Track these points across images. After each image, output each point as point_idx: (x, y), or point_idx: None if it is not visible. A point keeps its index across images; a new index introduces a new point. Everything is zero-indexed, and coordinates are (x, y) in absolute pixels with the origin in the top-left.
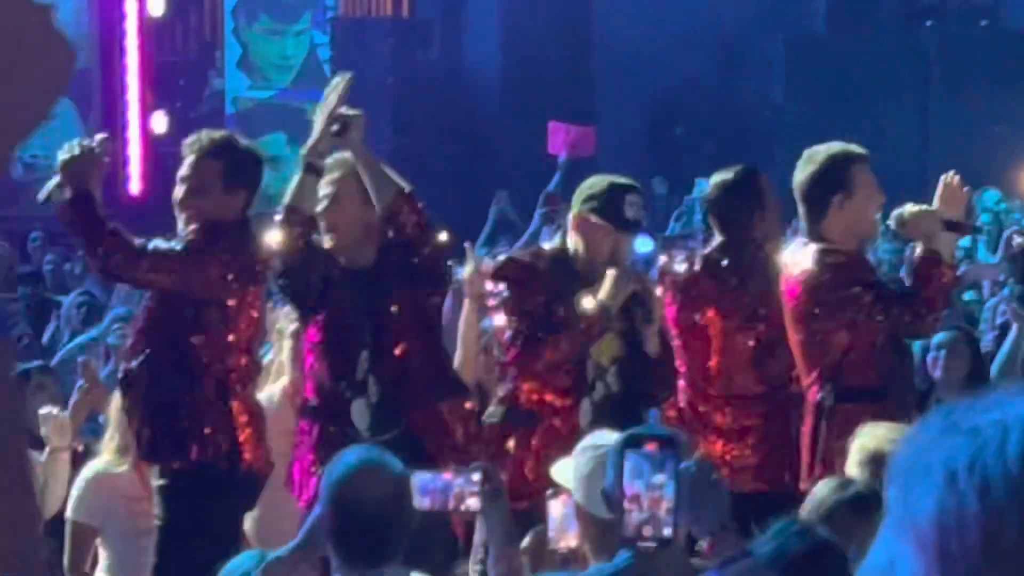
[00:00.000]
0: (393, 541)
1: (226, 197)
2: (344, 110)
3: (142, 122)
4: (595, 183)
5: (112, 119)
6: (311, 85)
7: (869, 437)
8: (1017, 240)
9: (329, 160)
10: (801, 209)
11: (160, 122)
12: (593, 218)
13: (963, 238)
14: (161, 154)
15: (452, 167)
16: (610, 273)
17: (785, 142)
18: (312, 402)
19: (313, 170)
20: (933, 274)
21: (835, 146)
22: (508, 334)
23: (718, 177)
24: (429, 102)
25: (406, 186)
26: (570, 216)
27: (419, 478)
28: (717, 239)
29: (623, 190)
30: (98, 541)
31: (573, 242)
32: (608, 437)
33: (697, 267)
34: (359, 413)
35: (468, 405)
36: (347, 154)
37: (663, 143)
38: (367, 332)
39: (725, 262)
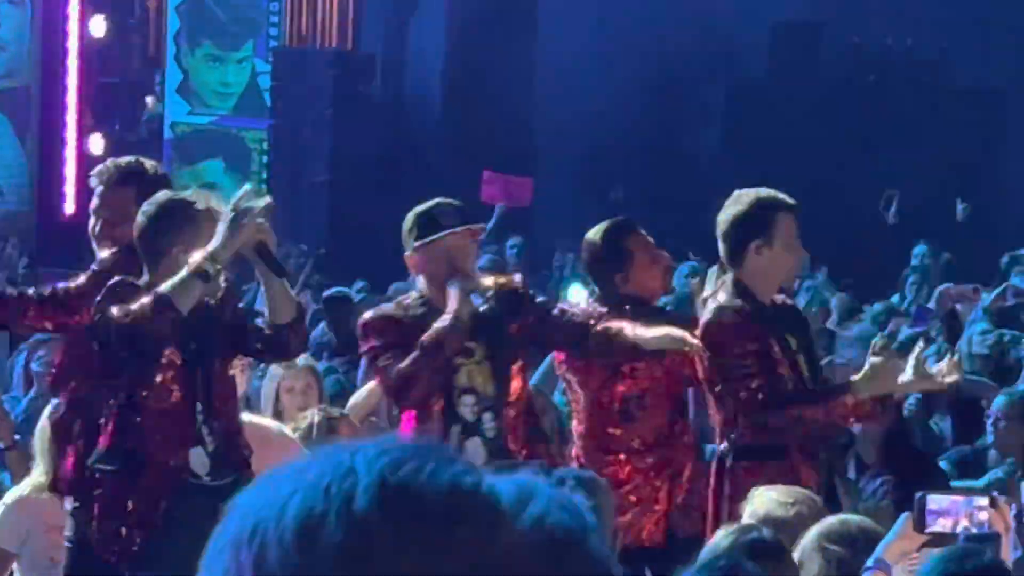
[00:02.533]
0: None
1: None
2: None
3: (79, 143)
4: (406, 222)
5: (49, 139)
6: (251, 113)
7: (759, 501)
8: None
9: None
10: (721, 248)
11: (97, 144)
12: (415, 245)
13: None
14: None
15: (389, 200)
16: (450, 290)
17: (722, 190)
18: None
19: (203, 276)
20: (846, 409)
21: (764, 191)
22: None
23: (589, 234)
24: (369, 135)
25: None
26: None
27: None
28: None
29: (430, 207)
30: (15, 568)
31: (423, 286)
32: None
33: None
34: (198, 460)
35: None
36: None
37: (599, 192)
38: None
39: None
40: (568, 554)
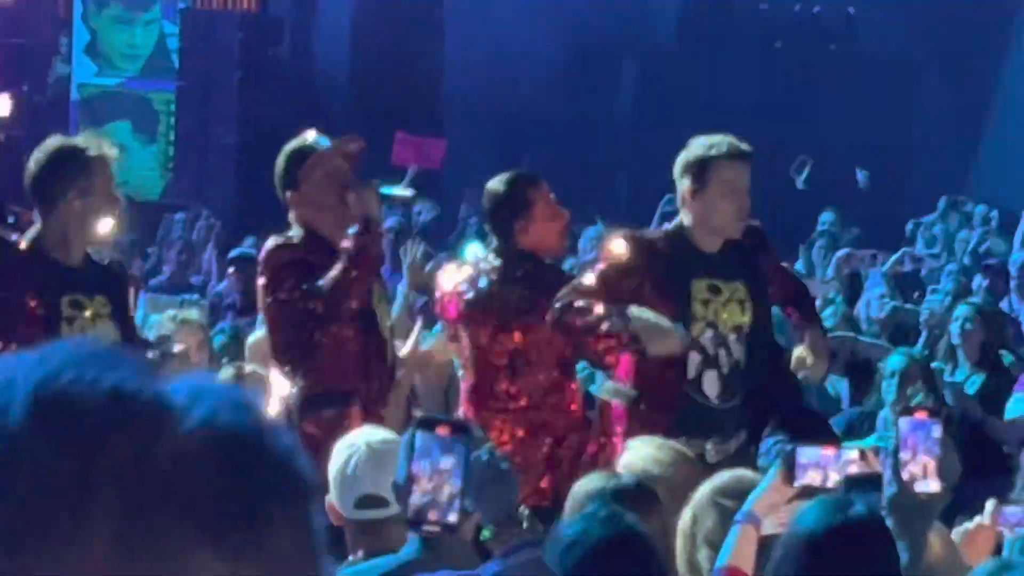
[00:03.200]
0: None
1: None
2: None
3: None
4: (277, 166)
5: None
6: (159, 75)
7: (635, 455)
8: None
9: None
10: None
11: (4, 105)
12: (296, 177)
13: None
14: (4, 137)
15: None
16: (350, 198)
17: (632, 156)
18: None
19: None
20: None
21: (716, 138)
22: None
23: (491, 183)
24: (276, 99)
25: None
26: None
27: None
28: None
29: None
30: None
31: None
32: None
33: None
34: None
35: None
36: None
37: (508, 159)
38: None
39: (491, 273)
40: (239, 453)
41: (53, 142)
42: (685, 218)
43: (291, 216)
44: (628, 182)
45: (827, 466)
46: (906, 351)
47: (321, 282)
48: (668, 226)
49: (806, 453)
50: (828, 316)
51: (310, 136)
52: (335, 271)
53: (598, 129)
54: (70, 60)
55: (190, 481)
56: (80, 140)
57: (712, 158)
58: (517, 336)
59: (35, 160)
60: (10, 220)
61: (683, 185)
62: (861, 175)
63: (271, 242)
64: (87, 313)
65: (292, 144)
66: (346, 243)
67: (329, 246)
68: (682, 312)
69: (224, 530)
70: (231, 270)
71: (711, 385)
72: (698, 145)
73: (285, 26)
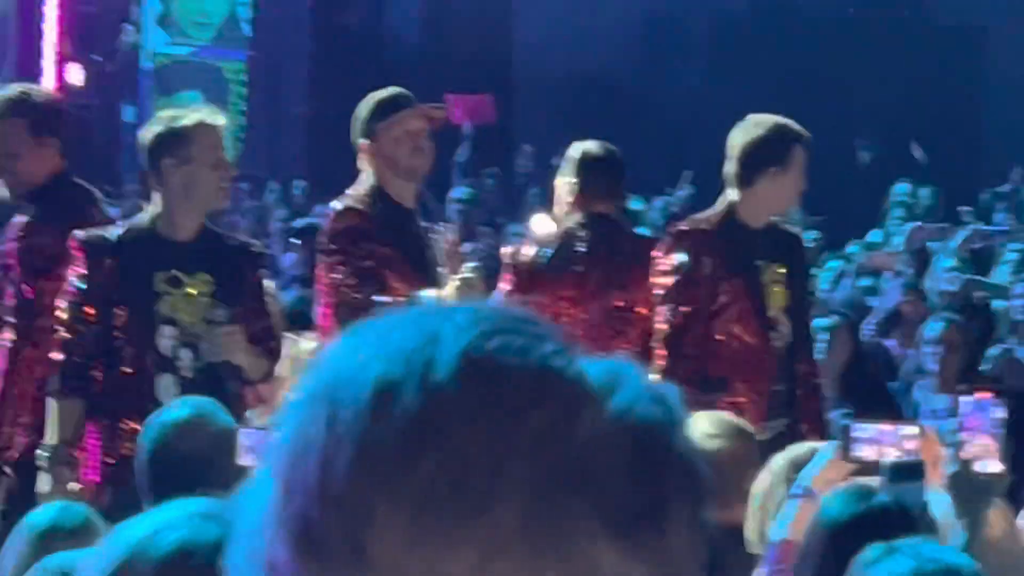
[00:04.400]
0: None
1: (38, 151)
2: None
3: (58, 73)
4: (363, 108)
5: (27, 68)
6: (230, 44)
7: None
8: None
9: None
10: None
11: (76, 74)
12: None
13: None
14: (76, 106)
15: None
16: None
17: (703, 124)
18: None
19: None
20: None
21: (783, 120)
22: None
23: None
24: (347, 68)
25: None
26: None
27: (247, 434)
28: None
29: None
30: None
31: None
32: None
33: None
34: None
35: None
36: None
37: (577, 125)
38: None
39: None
40: (652, 447)
41: (165, 115)
42: (734, 194)
43: (360, 164)
44: (698, 151)
45: (884, 441)
46: (947, 316)
47: (360, 278)
48: (718, 205)
49: (863, 428)
50: (896, 288)
51: (397, 91)
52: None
53: (669, 96)
54: (141, 29)
55: (602, 469)
56: (179, 110)
57: (801, 140)
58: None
59: (144, 131)
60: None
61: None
62: (918, 152)
63: (336, 204)
64: (186, 291)
65: (379, 95)
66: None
67: (393, 203)
68: (756, 290)
69: (627, 523)
70: (297, 241)
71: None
72: (759, 125)
73: None
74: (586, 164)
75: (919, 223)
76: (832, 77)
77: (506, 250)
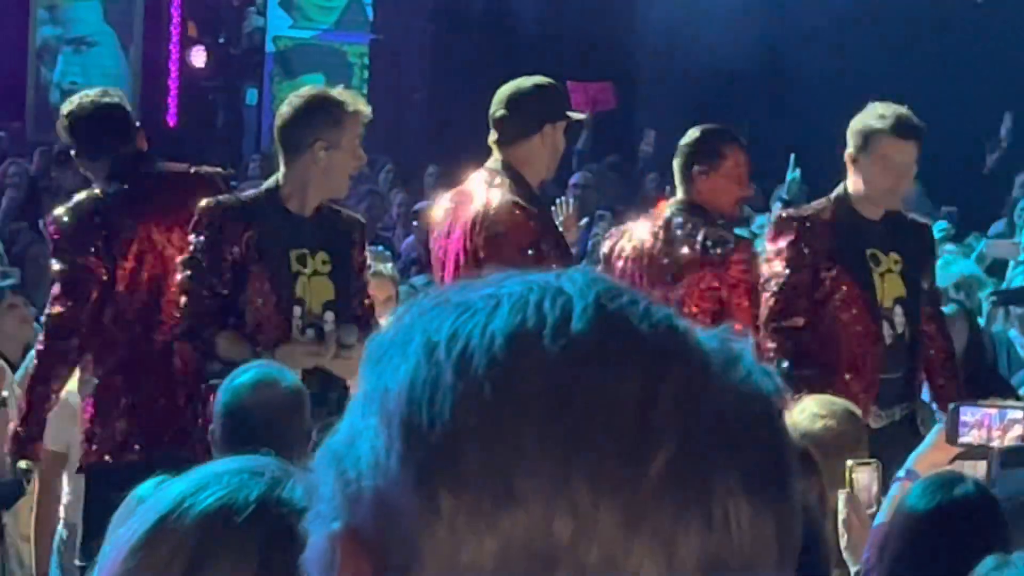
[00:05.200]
0: (286, 451)
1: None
2: None
3: (182, 55)
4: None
5: (153, 51)
6: (353, 28)
7: (797, 410)
8: None
9: None
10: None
11: (200, 56)
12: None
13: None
14: (199, 88)
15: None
16: None
17: (832, 110)
18: None
19: None
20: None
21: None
22: None
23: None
24: (469, 51)
25: None
26: None
27: None
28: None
29: (549, 84)
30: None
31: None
32: None
33: None
34: None
35: None
36: None
37: (697, 111)
38: None
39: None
40: (771, 415)
41: (310, 90)
42: (848, 183)
43: (502, 158)
44: (821, 138)
45: (990, 425)
46: None
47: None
48: (833, 193)
49: (969, 411)
50: (1019, 275)
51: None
52: None
53: (791, 83)
54: (265, 12)
55: (738, 428)
56: (336, 92)
57: (878, 131)
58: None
59: (288, 104)
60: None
61: (848, 149)
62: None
63: (510, 197)
64: (308, 269)
65: (537, 84)
66: None
67: (533, 193)
68: (866, 279)
69: (761, 481)
70: (416, 223)
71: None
72: (870, 113)
73: None
74: None
75: None
76: (962, 58)
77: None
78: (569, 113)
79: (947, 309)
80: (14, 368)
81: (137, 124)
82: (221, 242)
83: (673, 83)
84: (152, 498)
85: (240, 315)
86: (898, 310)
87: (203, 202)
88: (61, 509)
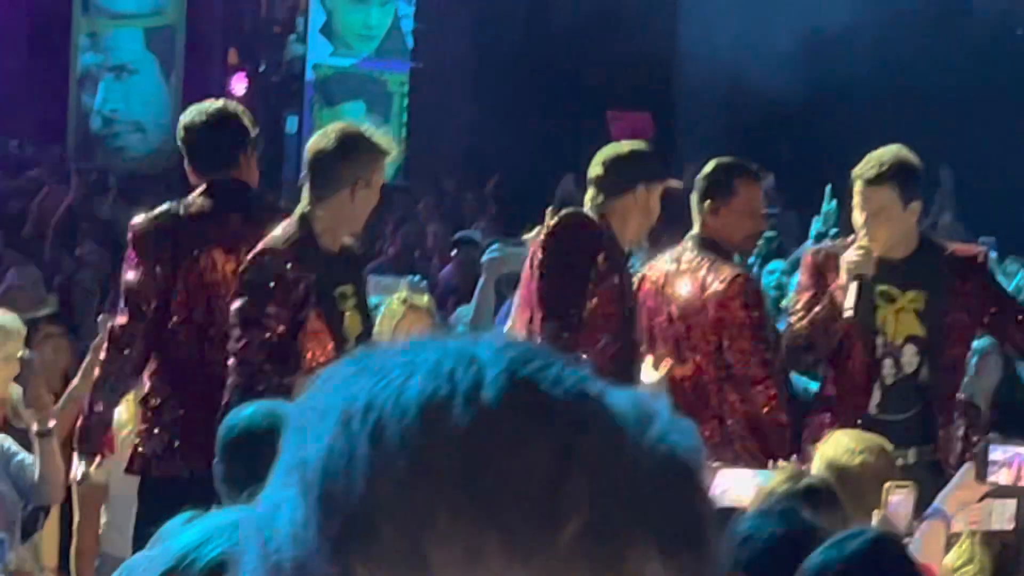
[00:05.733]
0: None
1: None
2: None
3: (223, 83)
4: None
5: (194, 78)
6: (393, 55)
7: (830, 444)
8: None
9: None
10: None
11: (240, 84)
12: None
13: None
14: None
15: (531, 144)
16: None
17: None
18: None
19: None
20: None
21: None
22: None
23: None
24: (509, 79)
25: None
26: None
27: None
28: None
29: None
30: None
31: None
32: None
33: None
34: None
35: None
36: None
37: (739, 143)
38: None
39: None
40: (689, 477)
41: (347, 127)
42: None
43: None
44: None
45: (1021, 464)
46: None
47: None
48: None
49: (999, 450)
50: None
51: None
52: None
53: (832, 113)
54: (306, 39)
55: (652, 493)
56: (369, 130)
57: (855, 177)
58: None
59: (326, 140)
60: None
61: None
62: None
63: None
64: (348, 305)
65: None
66: None
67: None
68: (866, 316)
69: (677, 543)
70: (454, 253)
71: (873, 395)
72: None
73: (519, 7)
74: None
75: None
76: (1000, 89)
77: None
78: (668, 180)
79: (979, 343)
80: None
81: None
82: (279, 290)
83: (713, 116)
84: (163, 546)
85: (297, 356)
86: (908, 349)
87: (258, 249)
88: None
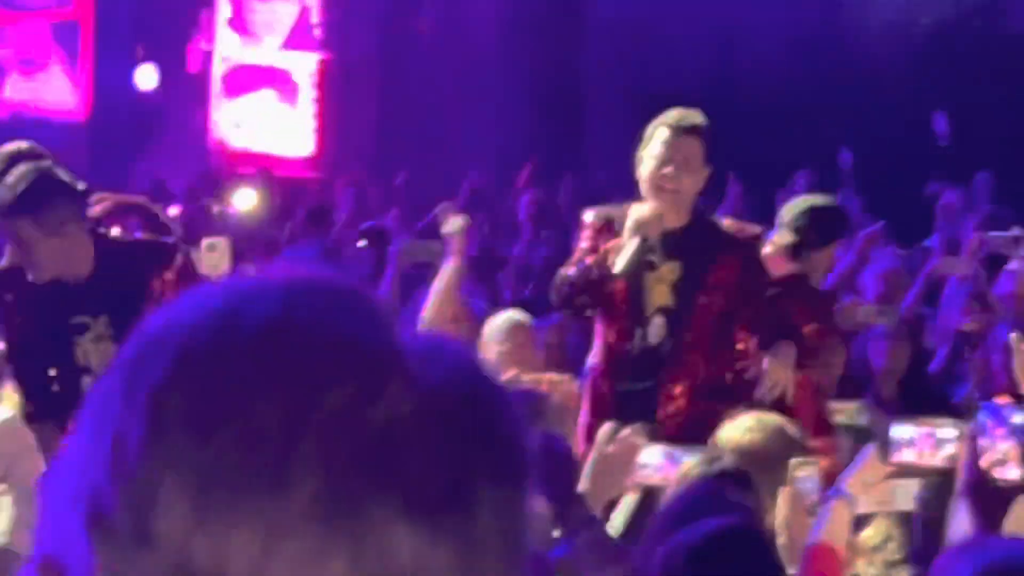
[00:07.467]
0: None
1: None
2: None
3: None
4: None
5: (97, 71)
6: (300, 47)
7: (732, 427)
8: None
9: None
10: None
11: (148, 77)
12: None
13: None
14: (147, 109)
15: (437, 139)
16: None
17: (855, 137)
18: None
19: None
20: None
21: None
22: None
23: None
24: (420, 71)
25: None
26: None
27: None
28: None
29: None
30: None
31: None
32: None
33: None
34: None
35: None
36: None
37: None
38: None
39: None
40: (460, 425)
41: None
42: None
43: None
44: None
45: (923, 445)
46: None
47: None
48: None
49: (902, 430)
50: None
51: None
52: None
53: (821, 116)
54: (213, 32)
55: (400, 449)
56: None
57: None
58: None
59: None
60: None
61: None
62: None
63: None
64: None
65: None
66: None
67: None
68: (635, 288)
69: (424, 506)
70: (363, 243)
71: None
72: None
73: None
74: None
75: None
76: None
77: None
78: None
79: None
80: None
81: None
82: None
83: (620, 103)
84: None
85: None
86: (657, 319)
87: None
88: None
